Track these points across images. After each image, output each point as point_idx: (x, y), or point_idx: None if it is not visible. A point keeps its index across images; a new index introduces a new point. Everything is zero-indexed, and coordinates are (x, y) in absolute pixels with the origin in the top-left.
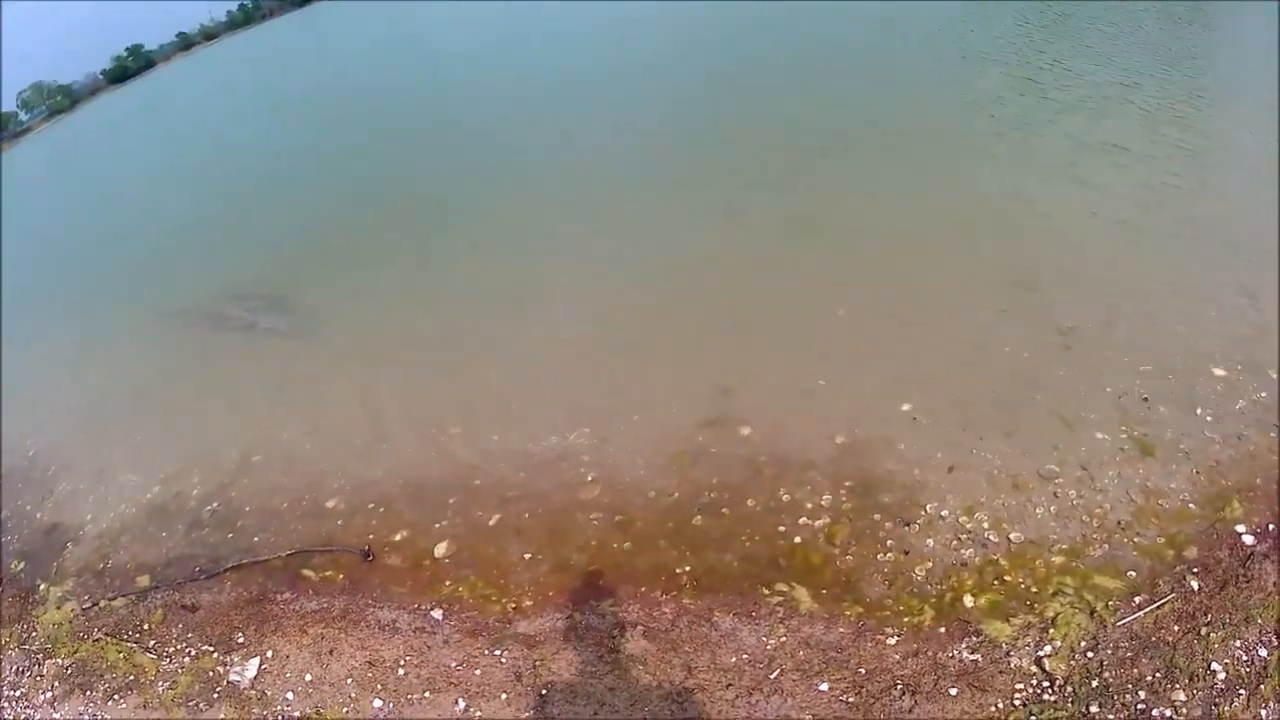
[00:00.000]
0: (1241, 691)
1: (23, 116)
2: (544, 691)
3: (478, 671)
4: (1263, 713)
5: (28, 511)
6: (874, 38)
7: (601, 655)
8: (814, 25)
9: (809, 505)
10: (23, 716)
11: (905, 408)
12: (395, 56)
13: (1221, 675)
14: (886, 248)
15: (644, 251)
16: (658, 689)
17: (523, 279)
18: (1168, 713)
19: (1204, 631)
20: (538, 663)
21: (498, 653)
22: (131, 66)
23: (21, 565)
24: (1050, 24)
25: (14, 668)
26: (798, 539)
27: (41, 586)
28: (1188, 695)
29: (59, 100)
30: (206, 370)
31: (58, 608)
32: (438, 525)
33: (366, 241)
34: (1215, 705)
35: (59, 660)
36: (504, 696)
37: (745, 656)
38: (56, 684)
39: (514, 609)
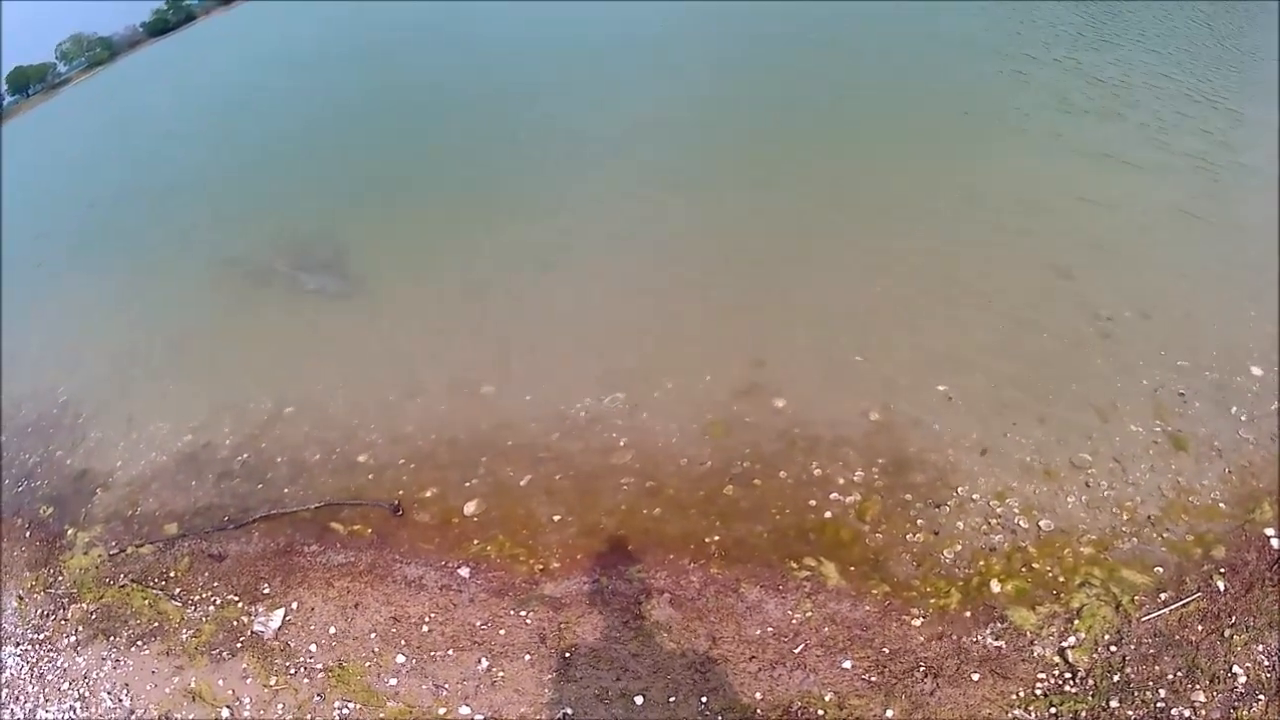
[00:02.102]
0: (1261, 697)
1: (61, 68)
2: (567, 654)
3: (502, 631)
4: None
5: (58, 457)
6: (917, 25)
7: (626, 621)
8: (854, 7)
9: (840, 481)
10: (45, 659)
11: (941, 388)
12: (439, 19)
13: (1242, 679)
14: (926, 228)
15: (684, 220)
16: (681, 657)
17: (561, 244)
18: (1187, 713)
19: (1227, 633)
20: (562, 625)
21: (523, 613)
22: (171, 19)
23: (50, 510)
24: (1095, 18)
25: (39, 611)
26: (828, 514)
27: (69, 532)
28: (1208, 696)
29: (98, 52)
30: (244, 323)
31: (85, 553)
32: (468, 484)
33: (408, 201)
34: (1234, 708)
35: (84, 605)
36: (527, 657)
37: (770, 629)
38: (80, 628)
39: (541, 570)
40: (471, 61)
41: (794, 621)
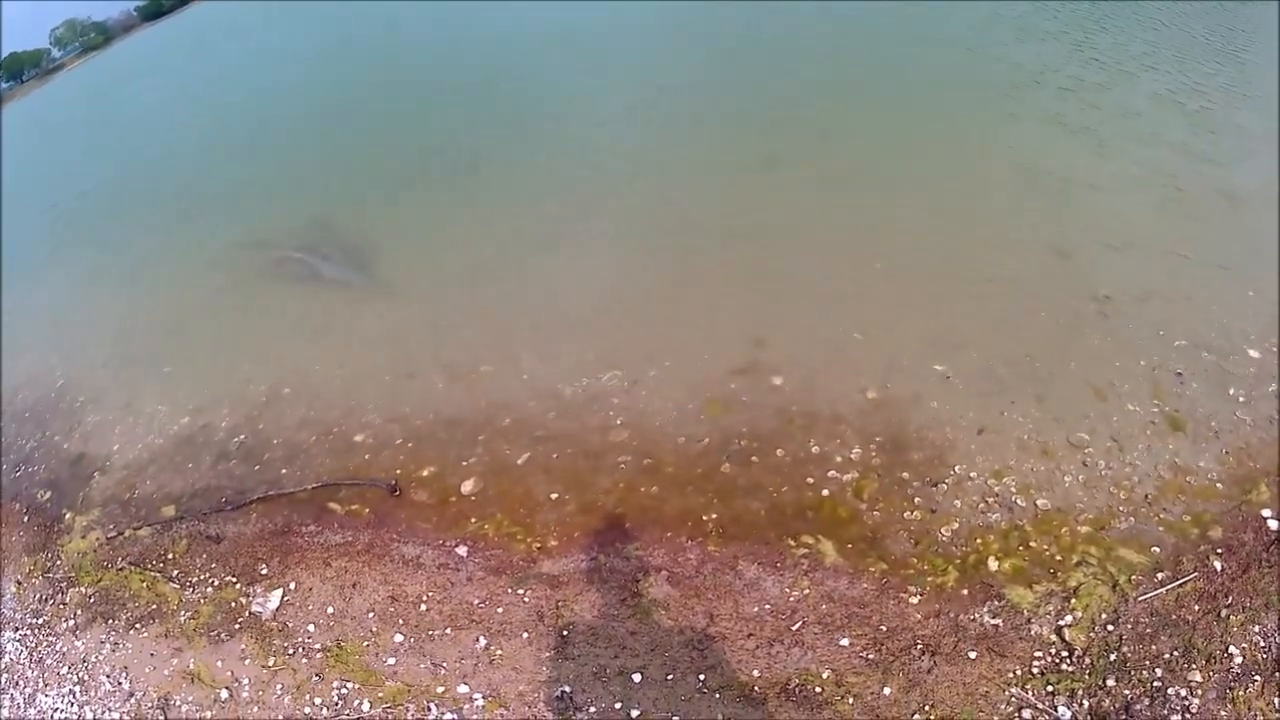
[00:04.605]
0: (1257, 677)
1: (55, 53)
2: (565, 632)
3: (500, 610)
4: (1276, 700)
5: (55, 442)
6: (919, 14)
7: (624, 599)
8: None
9: (838, 458)
10: (44, 644)
11: (938, 366)
12: (440, 6)
13: (1238, 659)
14: (925, 206)
15: (683, 199)
16: (679, 635)
17: (560, 223)
18: (1183, 692)
19: (1224, 614)
20: (560, 603)
21: (521, 592)
22: (166, 3)
23: (48, 494)
24: (1099, 11)
25: (38, 596)
26: (825, 491)
27: (67, 516)
28: (1204, 676)
29: (93, 37)
30: (239, 306)
31: (83, 537)
32: (466, 462)
33: (407, 186)
34: (1230, 689)
35: (82, 589)
36: (525, 636)
37: (768, 607)
38: (79, 612)
39: (539, 548)
40: (477, 49)
41: (791, 599)
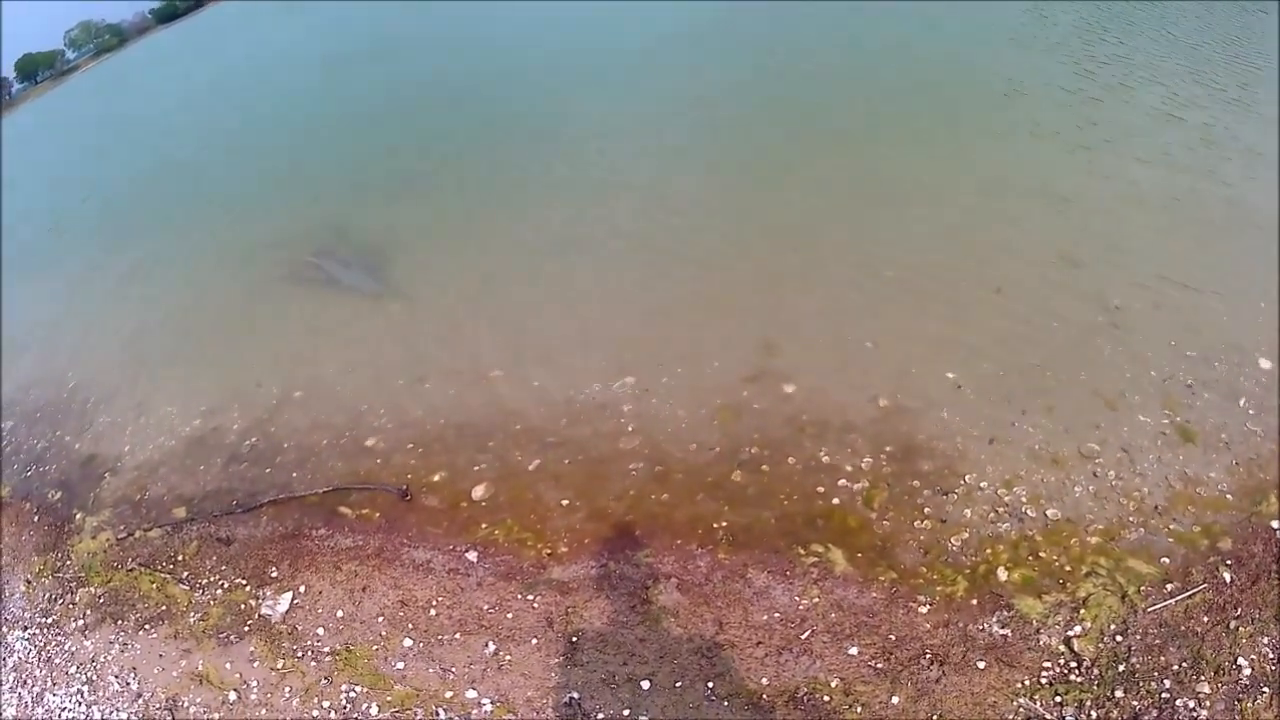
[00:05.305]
0: (1265, 689)
1: (70, 54)
2: (574, 639)
3: (509, 615)
4: None
5: (66, 442)
6: (928, 20)
7: (634, 605)
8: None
9: (849, 467)
10: (53, 643)
11: (950, 376)
12: (453, 8)
13: (1247, 671)
14: (938, 215)
15: (695, 205)
16: (688, 642)
17: (571, 231)
18: (1191, 704)
19: (1233, 625)
20: (569, 610)
21: (530, 597)
22: (181, 6)
23: (59, 495)
24: (1112, 11)
25: (47, 595)
26: (836, 500)
27: (78, 516)
28: (1212, 688)
29: (107, 39)
30: (251, 309)
31: (93, 537)
32: (476, 468)
33: (421, 189)
34: (1239, 700)
35: (92, 589)
36: (534, 641)
37: (777, 615)
38: (89, 612)
39: (549, 555)
40: (493, 57)
41: (801, 607)
